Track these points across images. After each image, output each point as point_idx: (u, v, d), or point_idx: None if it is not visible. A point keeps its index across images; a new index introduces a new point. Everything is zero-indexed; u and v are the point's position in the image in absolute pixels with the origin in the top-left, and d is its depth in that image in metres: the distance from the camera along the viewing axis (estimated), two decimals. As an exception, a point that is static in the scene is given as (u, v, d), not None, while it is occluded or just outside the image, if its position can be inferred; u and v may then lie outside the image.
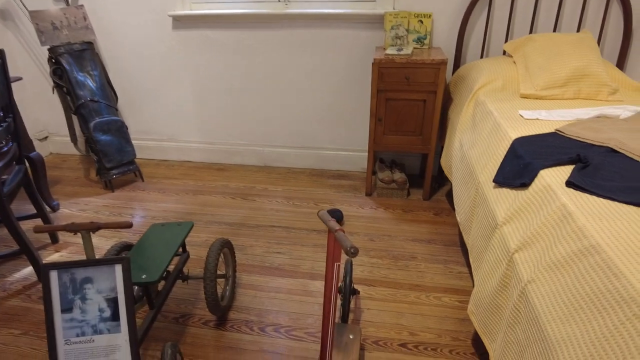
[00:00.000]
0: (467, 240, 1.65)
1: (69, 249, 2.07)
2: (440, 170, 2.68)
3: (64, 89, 2.52)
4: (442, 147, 2.35)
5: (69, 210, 2.42)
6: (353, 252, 0.69)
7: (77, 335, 1.09)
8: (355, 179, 2.71)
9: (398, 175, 2.43)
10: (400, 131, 2.27)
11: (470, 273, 1.84)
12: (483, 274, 1.32)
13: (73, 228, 1.12)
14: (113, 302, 1.10)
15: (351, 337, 1.41)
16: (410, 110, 2.22)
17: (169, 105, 2.88)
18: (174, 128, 2.95)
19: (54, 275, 1.10)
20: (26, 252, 1.79)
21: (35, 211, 2.07)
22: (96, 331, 1.10)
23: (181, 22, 2.62)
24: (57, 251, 2.06)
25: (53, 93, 2.59)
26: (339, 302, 1.68)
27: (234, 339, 1.52)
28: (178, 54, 2.71)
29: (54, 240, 2.13)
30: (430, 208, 2.35)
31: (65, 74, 2.47)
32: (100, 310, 1.10)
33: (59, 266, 1.10)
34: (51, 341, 1.09)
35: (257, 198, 2.51)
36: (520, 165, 1.31)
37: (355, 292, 1.56)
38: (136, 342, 1.10)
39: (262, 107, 2.78)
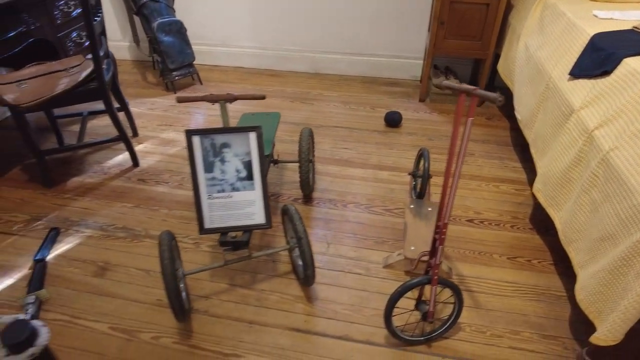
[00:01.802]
0: (529, 135, 1.81)
1: (150, 142, 2.26)
2: (489, 81, 2.77)
3: (125, -12, 2.54)
4: (498, 55, 2.42)
5: (139, 109, 2.57)
6: (500, 100, 0.86)
7: (218, 192, 1.31)
8: (406, 86, 2.81)
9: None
10: (460, 35, 2.33)
11: (524, 168, 2.03)
12: (552, 156, 1.49)
13: (212, 98, 1.28)
14: (248, 165, 1.30)
15: (430, 209, 1.64)
16: (473, 14, 2.25)
17: (221, 9, 2.89)
18: (226, 32, 2.99)
19: (196, 139, 1.28)
20: (124, 139, 1.98)
21: (118, 105, 2.23)
22: (234, 189, 1.31)
23: None
24: (139, 143, 2.26)
25: (114, -8, 2.61)
26: (413, 182, 1.89)
27: (321, 212, 1.76)
28: (233, -48, 2.67)
29: (135, 134, 2.32)
30: (482, 113, 2.48)
31: (126, -29, 2.47)
32: (237, 171, 1.30)
33: (200, 132, 1.28)
34: (197, 195, 1.30)
35: (315, 102, 2.64)
36: (601, 56, 1.42)
37: (429, 176, 1.76)
38: (267, 198, 1.32)
39: (313, 12, 2.79)
